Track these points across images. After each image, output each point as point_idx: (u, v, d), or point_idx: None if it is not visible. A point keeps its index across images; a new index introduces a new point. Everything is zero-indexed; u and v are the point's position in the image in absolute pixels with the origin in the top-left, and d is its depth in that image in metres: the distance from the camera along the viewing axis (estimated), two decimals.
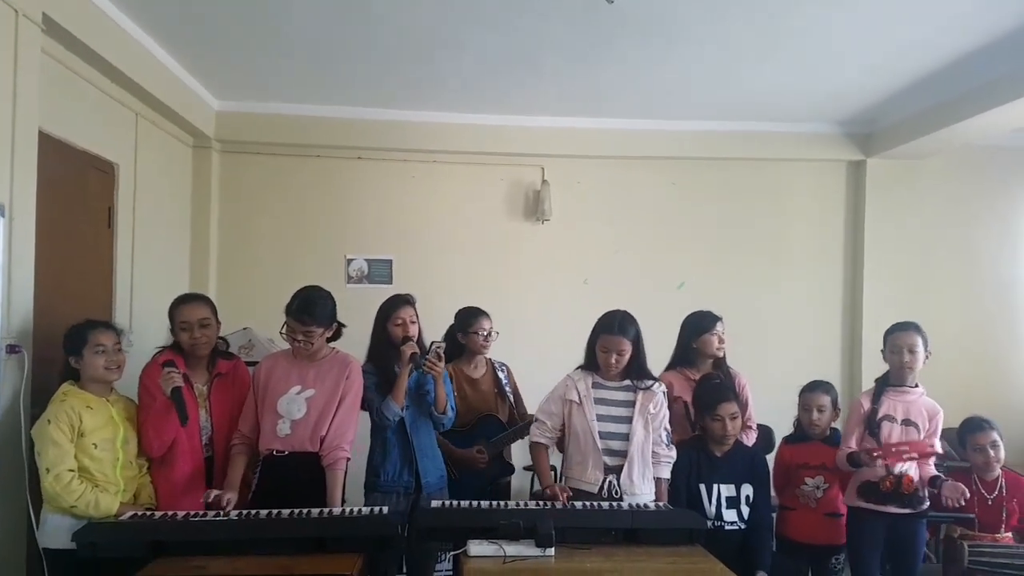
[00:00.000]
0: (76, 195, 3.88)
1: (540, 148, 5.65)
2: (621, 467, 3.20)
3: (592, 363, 3.34)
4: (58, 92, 3.61)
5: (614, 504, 3.13)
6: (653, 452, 3.27)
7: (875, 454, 3.36)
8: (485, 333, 3.95)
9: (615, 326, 3.23)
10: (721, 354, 3.76)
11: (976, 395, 5.11)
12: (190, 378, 3.14)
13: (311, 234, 5.60)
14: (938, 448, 3.48)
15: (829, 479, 3.62)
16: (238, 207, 5.55)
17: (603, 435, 3.22)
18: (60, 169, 3.65)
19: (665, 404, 3.35)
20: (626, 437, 3.23)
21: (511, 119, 5.53)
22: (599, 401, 3.27)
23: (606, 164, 5.79)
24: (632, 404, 3.27)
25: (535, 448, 3.38)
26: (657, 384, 3.35)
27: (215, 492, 2.94)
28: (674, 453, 3.36)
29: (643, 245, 5.82)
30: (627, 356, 3.25)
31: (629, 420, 3.24)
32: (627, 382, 3.31)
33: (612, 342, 3.23)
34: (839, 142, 5.78)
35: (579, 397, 3.27)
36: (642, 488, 3.23)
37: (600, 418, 3.24)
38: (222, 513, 2.84)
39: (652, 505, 3.14)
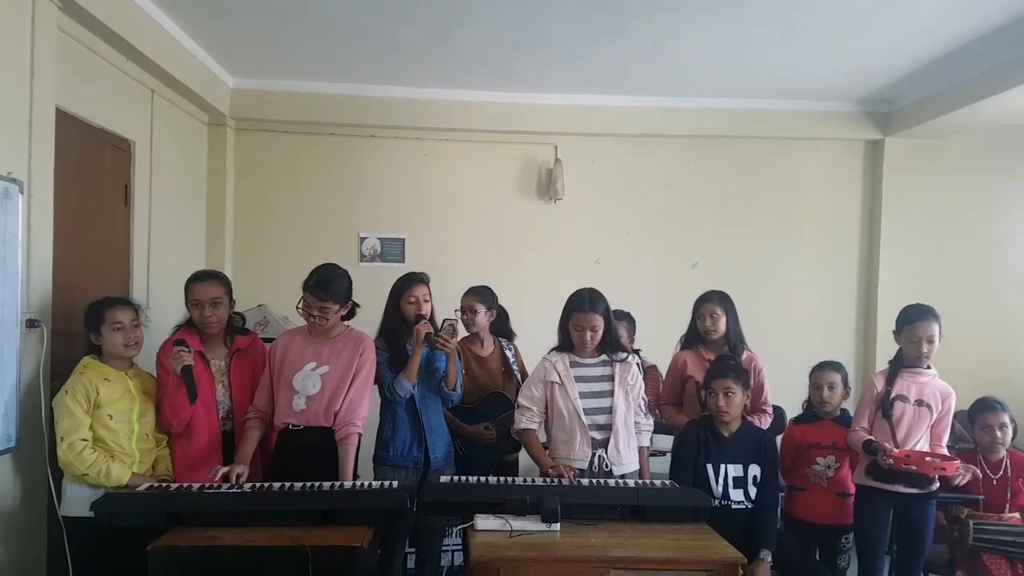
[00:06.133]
0: (93, 172, 3.92)
1: (553, 126, 5.62)
2: (607, 440, 3.27)
3: (566, 343, 3.40)
4: (75, 70, 3.64)
5: (619, 481, 3.16)
6: (634, 422, 3.36)
7: (888, 459, 3.32)
8: (468, 312, 3.94)
9: (585, 303, 3.29)
10: (715, 335, 3.74)
11: (990, 380, 5.04)
12: (207, 355, 3.20)
13: (325, 212, 5.61)
14: (944, 451, 3.47)
15: (840, 458, 3.63)
16: (253, 185, 5.57)
17: (587, 411, 3.28)
18: (77, 146, 3.69)
19: (640, 376, 3.44)
20: (609, 411, 3.30)
21: (524, 96, 5.50)
22: (579, 379, 3.34)
23: (619, 142, 5.76)
24: (610, 378, 3.34)
25: (525, 435, 3.39)
26: (631, 356, 3.44)
27: (223, 469, 2.97)
28: (652, 421, 3.48)
29: (656, 224, 5.79)
30: (600, 332, 3.31)
31: (610, 394, 3.32)
32: (603, 357, 3.38)
33: (585, 319, 3.29)
34: (857, 121, 5.69)
35: (559, 378, 3.32)
36: (628, 458, 3.32)
37: (582, 395, 3.30)
38: (236, 486, 2.90)
39: (658, 483, 3.16)
